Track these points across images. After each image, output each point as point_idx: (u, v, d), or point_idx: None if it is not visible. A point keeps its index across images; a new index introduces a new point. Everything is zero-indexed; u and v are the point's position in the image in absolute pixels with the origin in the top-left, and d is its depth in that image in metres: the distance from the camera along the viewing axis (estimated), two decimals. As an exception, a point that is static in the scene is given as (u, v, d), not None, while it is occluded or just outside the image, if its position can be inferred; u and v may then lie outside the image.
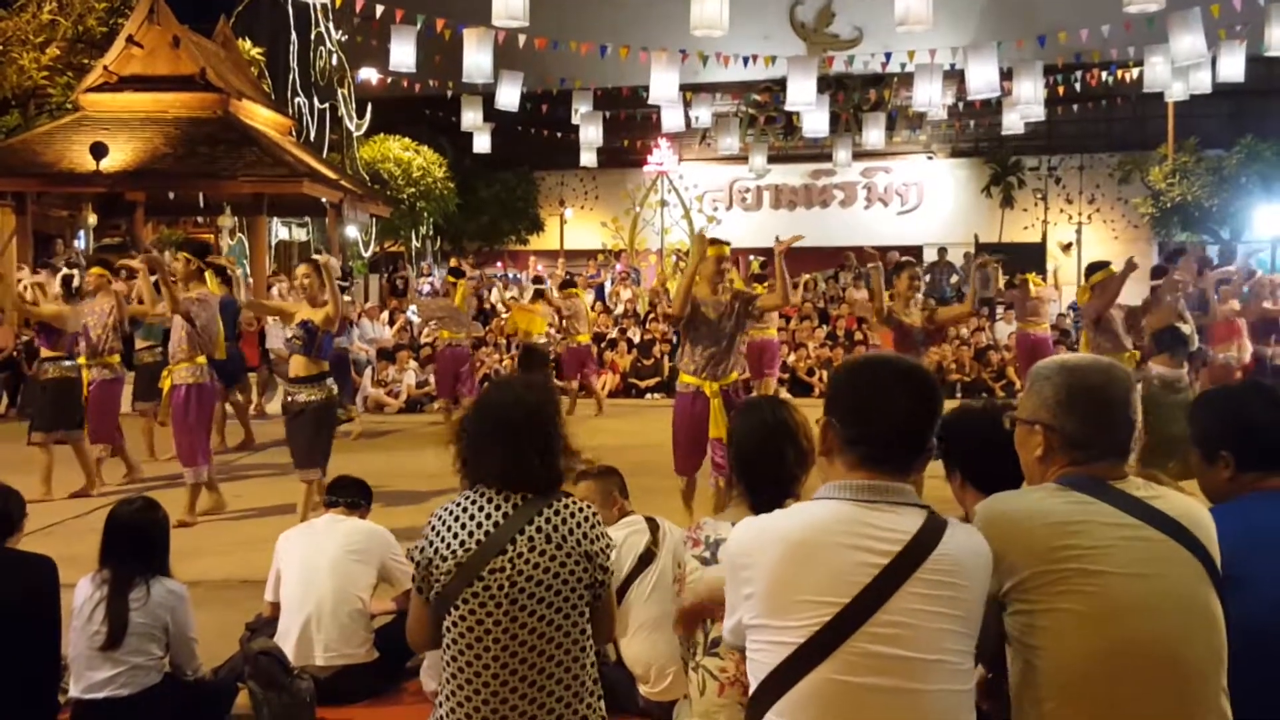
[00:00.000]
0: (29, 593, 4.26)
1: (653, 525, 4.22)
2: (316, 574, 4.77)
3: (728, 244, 8.04)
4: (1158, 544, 2.30)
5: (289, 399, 8.22)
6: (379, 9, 16.93)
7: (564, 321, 15.92)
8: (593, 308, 20.96)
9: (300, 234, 25.02)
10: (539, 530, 3.01)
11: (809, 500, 2.41)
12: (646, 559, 4.05)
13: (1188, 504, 2.41)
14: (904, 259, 9.77)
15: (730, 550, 2.38)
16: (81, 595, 4.34)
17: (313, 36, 24.42)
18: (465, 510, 3.06)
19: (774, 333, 16.87)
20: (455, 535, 3.02)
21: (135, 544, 4.39)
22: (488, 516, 3.03)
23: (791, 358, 18.47)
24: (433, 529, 3.09)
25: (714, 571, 3.09)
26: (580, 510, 3.10)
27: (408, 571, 4.92)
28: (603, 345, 18.95)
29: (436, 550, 3.04)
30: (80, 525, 8.32)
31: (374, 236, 25.64)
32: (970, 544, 2.30)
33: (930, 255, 25.87)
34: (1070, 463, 2.43)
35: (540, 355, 15.37)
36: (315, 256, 8.98)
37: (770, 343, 16.54)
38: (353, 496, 5.18)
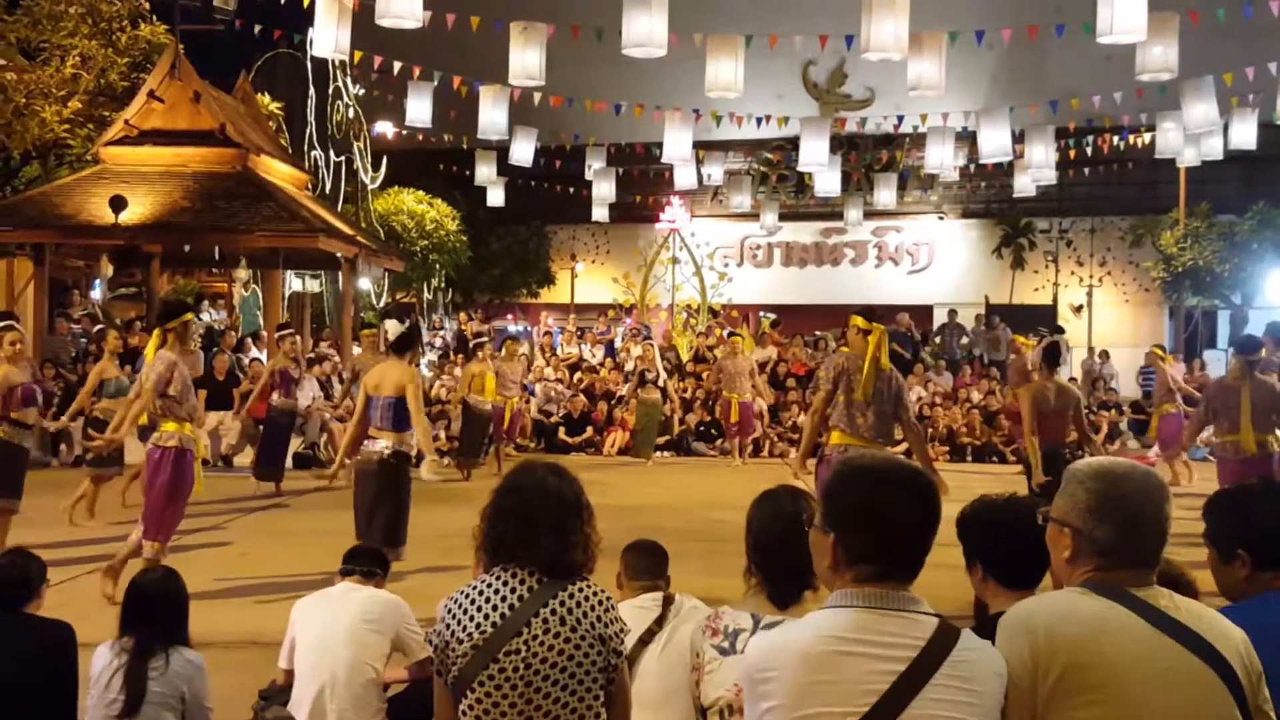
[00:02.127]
0: (47, 658, 4.28)
1: (666, 603, 4.17)
2: (332, 643, 4.76)
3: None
4: (1177, 656, 2.30)
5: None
6: (397, 65, 17.14)
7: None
8: (602, 363, 21.01)
9: (314, 285, 25.15)
10: (553, 613, 3.03)
11: (820, 607, 2.42)
12: (645, 639, 4.03)
13: (1210, 618, 2.41)
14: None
15: (748, 665, 2.38)
16: (100, 663, 4.34)
17: (330, 91, 24.70)
18: (481, 594, 3.08)
19: (750, 396, 17.01)
20: (471, 618, 3.04)
21: (156, 613, 4.41)
22: (503, 599, 3.05)
23: (801, 418, 18.45)
24: (449, 612, 3.10)
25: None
26: (595, 594, 3.12)
27: (421, 642, 4.93)
28: (613, 402, 18.97)
29: (453, 633, 3.05)
30: (90, 583, 8.32)
31: (386, 288, 25.76)
32: (985, 654, 2.31)
33: (940, 316, 25.91)
34: (1097, 568, 2.42)
35: (478, 415, 15.25)
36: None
37: (747, 405, 16.74)
38: (368, 565, 5.17)
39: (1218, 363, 23.88)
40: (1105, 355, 22.98)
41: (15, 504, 9.08)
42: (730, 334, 19.05)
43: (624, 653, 3.16)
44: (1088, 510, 2.44)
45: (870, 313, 8.09)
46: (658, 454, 17.88)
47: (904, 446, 10.88)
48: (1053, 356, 9.32)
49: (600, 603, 3.11)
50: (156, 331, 8.18)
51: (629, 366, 20.86)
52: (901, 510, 2.35)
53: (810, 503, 3.31)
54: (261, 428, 13.96)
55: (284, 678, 5.00)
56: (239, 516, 11.72)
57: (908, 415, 8.12)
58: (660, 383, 17.86)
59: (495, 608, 3.03)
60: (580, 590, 3.09)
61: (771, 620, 3.09)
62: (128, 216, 16.69)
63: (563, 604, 3.05)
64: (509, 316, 31.37)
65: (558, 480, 3.20)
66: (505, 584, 3.07)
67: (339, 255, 19.48)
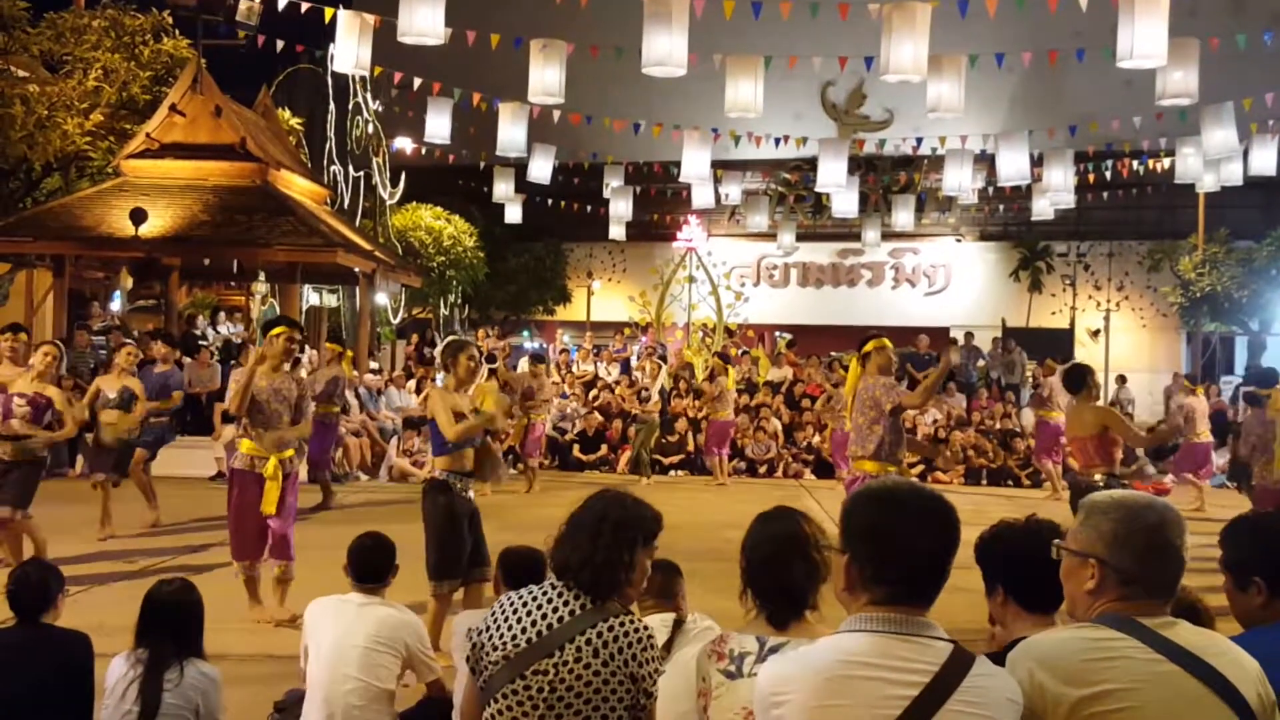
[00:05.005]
0: (63, 669, 4.30)
1: (675, 626, 4.16)
2: (344, 660, 4.73)
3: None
4: (1188, 687, 2.30)
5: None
6: (417, 81, 17.21)
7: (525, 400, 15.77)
8: (617, 382, 21.01)
9: (331, 300, 25.24)
10: (589, 643, 3.03)
11: (834, 630, 2.42)
12: None
13: (1224, 648, 2.41)
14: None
15: (762, 688, 2.37)
16: (115, 674, 4.34)
17: (350, 106, 24.82)
18: (525, 605, 3.10)
19: (729, 414, 17.04)
20: (510, 628, 3.06)
21: (171, 624, 4.41)
22: (543, 616, 3.06)
23: (816, 439, 18.45)
24: (493, 615, 3.13)
25: None
26: (636, 630, 3.10)
27: (430, 665, 4.99)
28: (627, 421, 18.95)
29: (489, 638, 3.08)
30: (106, 594, 8.35)
31: (403, 303, 25.84)
32: (999, 680, 2.31)
33: (957, 338, 25.87)
34: (1119, 598, 2.43)
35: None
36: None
37: (728, 423, 16.76)
38: (370, 581, 5.00)
39: (1229, 388, 23.80)
40: (1122, 379, 22.92)
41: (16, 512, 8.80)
42: (717, 354, 19.15)
43: (654, 694, 3.13)
44: (1113, 540, 2.44)
45: (866, 338, 8.34)
46: (672, 473, 17.89)
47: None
48: (1075, 382, 9.21)
49: (639, 640, 3.08)
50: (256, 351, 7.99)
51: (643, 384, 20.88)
52: (917, 535, 2.35)
53: (808, 525, 3.31)
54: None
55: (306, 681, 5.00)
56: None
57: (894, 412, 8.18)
58: (651, 402, 17.79)
59: (535, 623, 3.05)
60: (622, 624, 3.08)
61: (777, 642, 3.08)
62: (147, 229, 16.77)
63: (599, 635, 3.04)
64: (524, 333, 31.42)
65: (621, 509, 3.21)
66: (549, 601, 3.09)
67: (357, 270, 19.56)
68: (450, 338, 8.46)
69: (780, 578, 3.16)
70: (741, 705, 3.02)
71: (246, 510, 7.66)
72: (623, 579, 3.13)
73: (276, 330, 7.88)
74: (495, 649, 3.05)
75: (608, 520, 3.15)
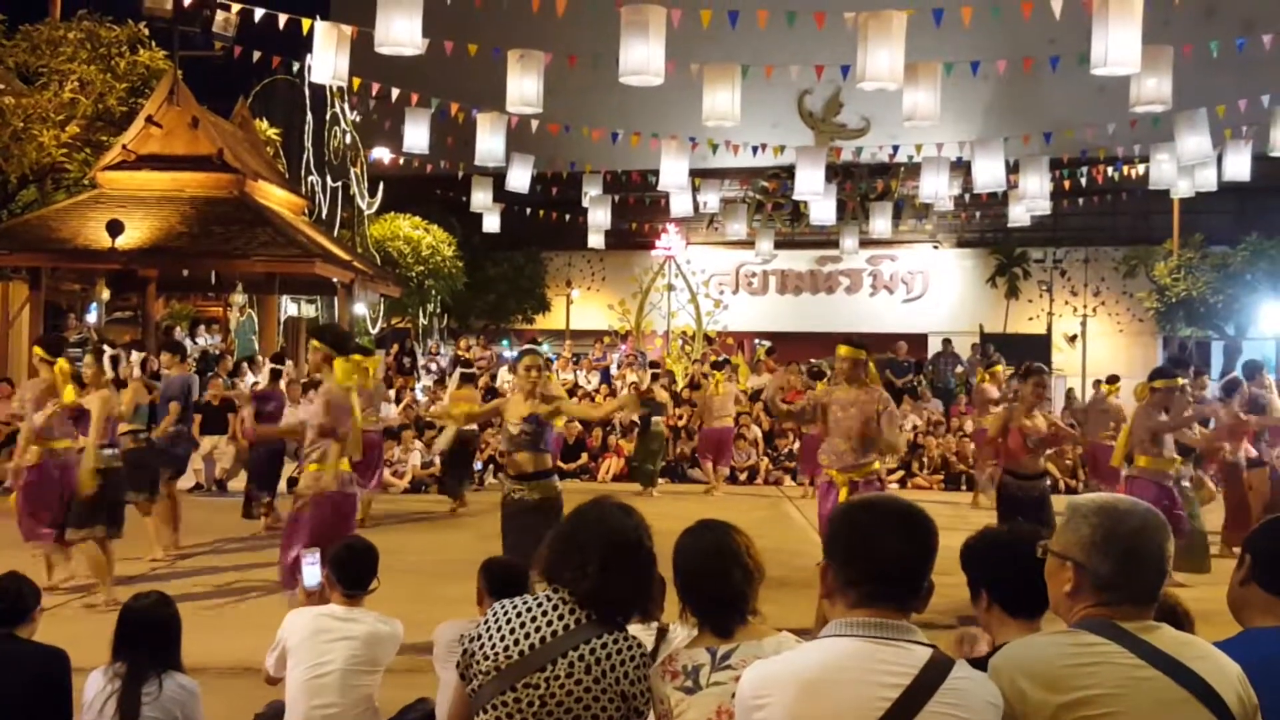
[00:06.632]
0: (40, 684, 4.28)
1: (660, 635, 4.17)
2: (324, 687, 4.68)
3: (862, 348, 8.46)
4: (1170, 692, 2.32)
5: (514, 495, 7.53)
6: (394, 91, 17.20)
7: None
8: (598, 390, 21.00)
9: (309, 310, 25.19)
10: (581, 659, 3.02)
11: (779, 629, 2.44)
12: None
13: (1206, 653, 2.43)
14: (1034, 365, 9.77)
15: (744, 691, 2.41)
16: (93, 688, 4.33)
17: (328, 117, 24.78)
18: (519, 615, 3.08)
19: (730, 422, 17.00)
20: (503, 638, 3.04)
21: (149, 638, 4.39)
22: (537, 630, 3.04)
23: (796, 445, 18.47)
24: (486, 624, 3.11)
25: None
26: (630, 648, 3.10)
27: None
28: (607, 429, 18.95)
29: (481, 647, 3.06)
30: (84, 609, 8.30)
31: (382, 313, 25.80)
32: (978, 683, 2.33)
33: (935, 344, 25.96)
34: (1097, 603, 2.45)
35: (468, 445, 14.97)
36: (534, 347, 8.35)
37: (727, 430, 16.70)
38: (352, 587, 4.97)
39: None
40: (1099, 385, 23.01)
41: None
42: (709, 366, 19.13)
43: (645, 713, 3.13)
44: (1091, 545, 2.46)
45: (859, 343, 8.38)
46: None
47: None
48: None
49: (632, 658, 3.08)
50: (339, 361, 7.34)
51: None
52: (892, 542, 2.40)
53: (738, 535, 3.30)
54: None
55: (270, 680, 4.97)
56: (235, 540, 11.66)
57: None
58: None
59: (528, 635, 3.03)
60: (615, 641, 3.08)
61: (728, 648, 3.07)
62: (124, 241, 16.72)
63: (593, 651, 3.03)
64: (503, 342, 31.39)
65: (622, 517, 3.21)
66: (543, 613, 3.07)
67: (335, 280, 19.53)
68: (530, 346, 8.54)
69: (719, 588, 3.16)
70: (706, 717, 3.03)
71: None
72: (619, 594, 3.13)
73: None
74: (486, 658, 3.03)
75: (605, 541, 3.13)
